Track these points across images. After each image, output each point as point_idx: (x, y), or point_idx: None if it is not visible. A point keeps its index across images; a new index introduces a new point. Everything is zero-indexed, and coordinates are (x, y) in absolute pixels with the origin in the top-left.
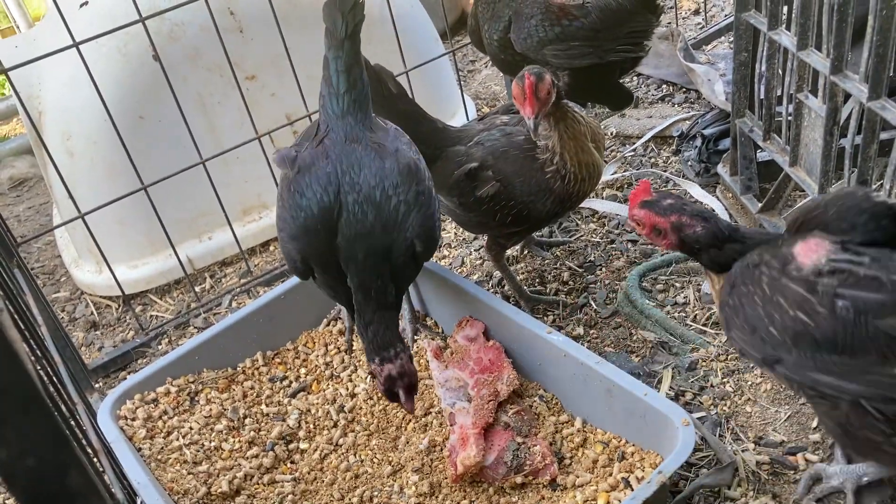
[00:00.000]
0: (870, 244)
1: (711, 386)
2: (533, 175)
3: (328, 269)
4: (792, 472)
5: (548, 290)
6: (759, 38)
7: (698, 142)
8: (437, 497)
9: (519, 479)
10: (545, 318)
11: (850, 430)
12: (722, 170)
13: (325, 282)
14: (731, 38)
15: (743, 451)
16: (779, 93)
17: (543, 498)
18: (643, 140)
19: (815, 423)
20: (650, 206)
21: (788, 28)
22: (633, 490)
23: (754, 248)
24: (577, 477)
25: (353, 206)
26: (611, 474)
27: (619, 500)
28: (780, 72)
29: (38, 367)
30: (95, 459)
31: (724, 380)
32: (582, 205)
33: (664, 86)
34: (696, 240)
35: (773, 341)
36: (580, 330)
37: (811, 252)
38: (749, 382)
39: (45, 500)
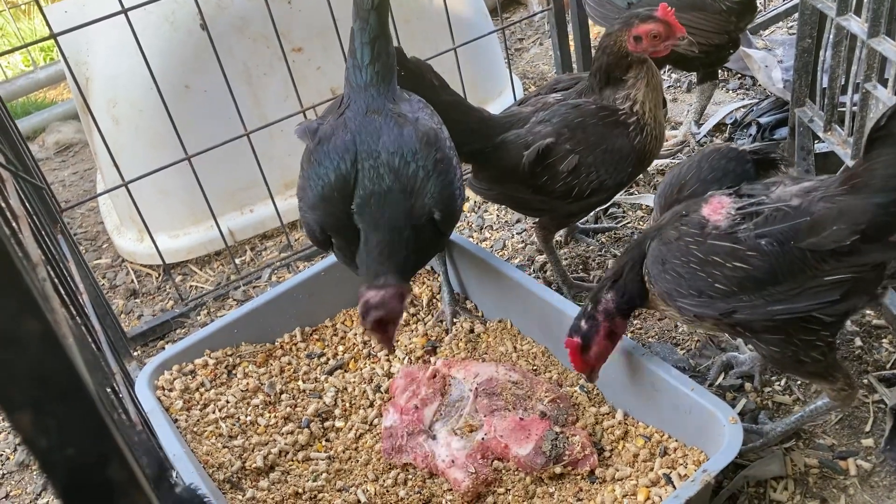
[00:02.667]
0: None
1: (760, 384)
2: (615, 140)
3: (344, 234)
4: (842, 477)
5: (591, 278)
6: (826, 24)
7: (753, 130)
8: None
9: (558, 470)
10: None
11: (800, 355)
12: None
13: (341, 247)
14: (790, 24)
15: (790, 451)
16: (842, 82)
17: (581, 490)
18: (687, 126)
19: (867, 428)
20: (589, 338)
21: (858, 14)
22: (674, 487)
23: (635, 252)
24: (617, 470)
25: (369, 170)
26: (652, 469)
27: (660, 497)
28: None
29: (87, 352)
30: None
31: (773, 378)
32: (632, 201)
33: (718, 70)
34: (618, 301)
35: (722, 296)
36: None
37: (719, 209)
38: (798, 382)
39: (84, 492)
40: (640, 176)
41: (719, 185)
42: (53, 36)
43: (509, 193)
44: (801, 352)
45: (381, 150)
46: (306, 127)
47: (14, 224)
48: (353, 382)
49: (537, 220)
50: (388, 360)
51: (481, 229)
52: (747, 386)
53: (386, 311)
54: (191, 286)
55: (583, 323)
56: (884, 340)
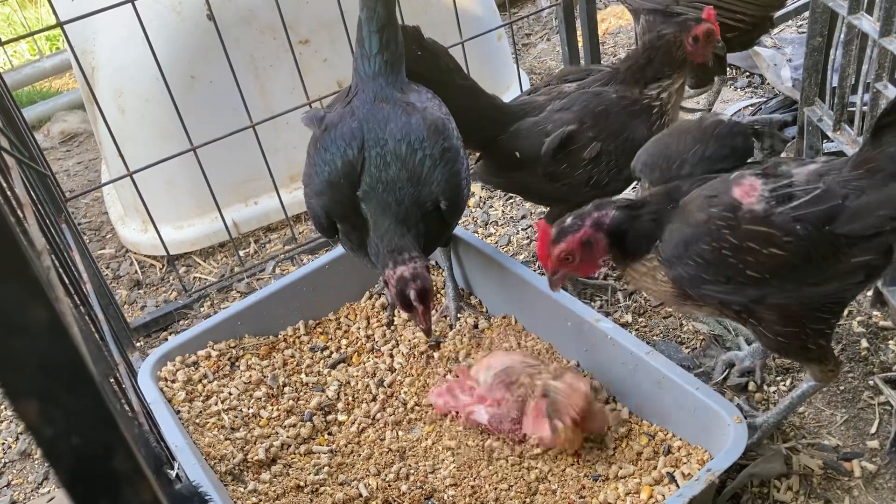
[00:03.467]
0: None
1: (765, 384)
2: (635, 129)
3: (350, 220)
4: (846, 478)
5: (596, 275)
6: (836, 23)
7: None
8: (472, 478)
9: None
10: (592, 304)
11: (808, 343)
12: None
13: (347, 233)
14: (800, 22)
15: (795, 452)
16: (852, 81)
17: (584, 487)
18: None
19: (873, 430)
20: (564, 233)
21: (870, 12)
22: (678, 486)
23: (662, 202)
24: (621, 468)
25: (376, 158)
26: (655, 468)
27: (664, 495)
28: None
29: (91, 342)
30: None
31: (778, 378)
32: None
33: (726, 65)
34: (620, 221)
35: (752, 282)
36: (628, 317)
37: (751, 192)
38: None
39: (89, 481)
40: None
41: (723, 163)
42: (60, 24)
43: (521, 181)
44: (810, 340)
45: (387, 137)
46: (313, 115)
47: (19, 212)
48: (356, 376)
49: (543, 215)
50: (391, 355)
51: (486, 225)
52: (751, 385)
53: (423, 280)
54: (194, 278)
55: (569, 219)
56: (890, 342)
